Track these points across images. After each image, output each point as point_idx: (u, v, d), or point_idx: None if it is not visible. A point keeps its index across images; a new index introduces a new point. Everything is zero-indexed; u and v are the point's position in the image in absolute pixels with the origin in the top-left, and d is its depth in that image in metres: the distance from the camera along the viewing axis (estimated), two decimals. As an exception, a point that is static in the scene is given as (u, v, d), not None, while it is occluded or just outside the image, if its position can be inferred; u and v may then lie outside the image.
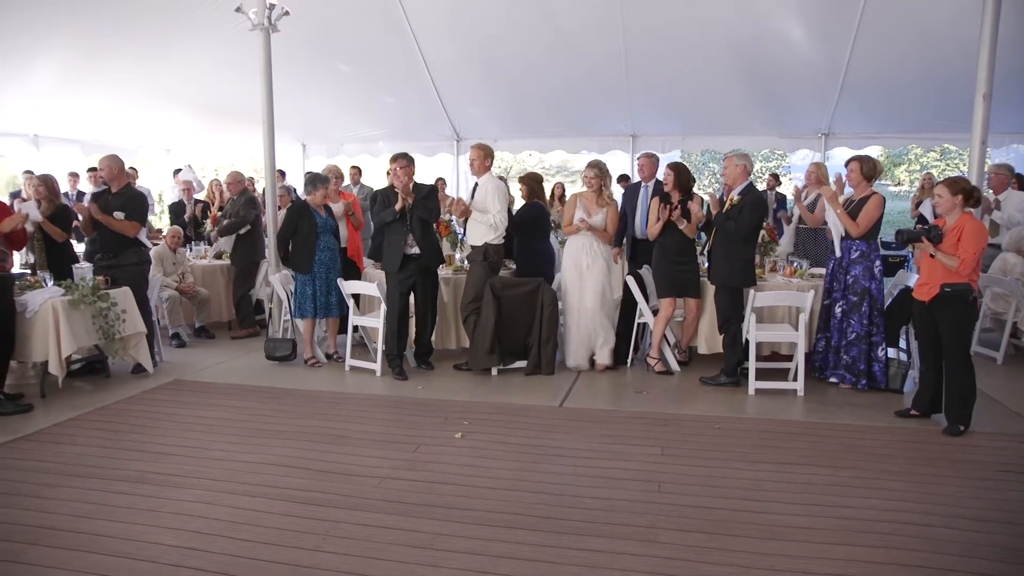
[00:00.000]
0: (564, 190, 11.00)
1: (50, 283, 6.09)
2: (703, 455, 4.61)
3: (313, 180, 6.90)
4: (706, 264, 6.47)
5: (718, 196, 6.67)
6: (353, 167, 10.69)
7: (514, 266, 7.09)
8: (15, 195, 9.72)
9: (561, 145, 13.53)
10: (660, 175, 7.12)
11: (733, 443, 4.82)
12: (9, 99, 10.03)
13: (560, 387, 6.15)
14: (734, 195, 6.04)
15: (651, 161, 7.48)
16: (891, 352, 6.04)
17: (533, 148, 13.98)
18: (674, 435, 4.98)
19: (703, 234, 6.55)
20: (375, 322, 6.52)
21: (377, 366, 6.53)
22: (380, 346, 6.53)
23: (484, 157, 6.58)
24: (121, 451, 4.75)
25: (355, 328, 6.79)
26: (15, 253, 6.37)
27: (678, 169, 6.38)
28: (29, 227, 6.05)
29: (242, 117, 10.58)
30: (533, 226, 7.02)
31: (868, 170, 5.85)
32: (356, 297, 6.73)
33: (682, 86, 10.61)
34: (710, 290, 6.32)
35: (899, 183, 28.11)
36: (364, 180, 10.86)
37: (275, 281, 7.07)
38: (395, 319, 6.34)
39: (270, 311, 7.52)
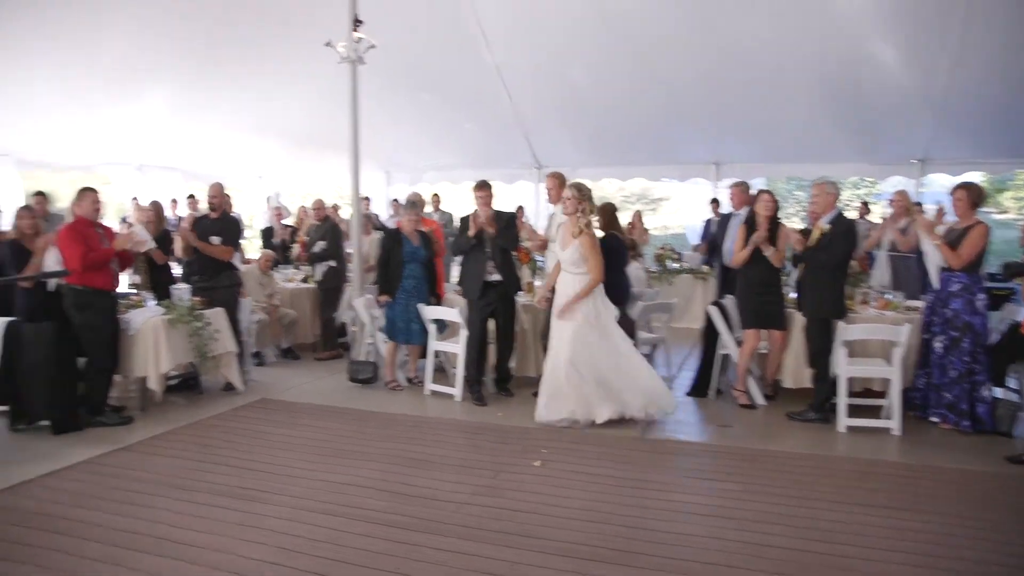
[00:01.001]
0: (641, 218, 10.93)
1: (151, 303, 6.41)
2: (787, 493, 4.44)
3: (406, 204, 7.12)
4: (792, 295, 6.28)
5: (800, 229, 6.45)
6: (433, 194, 10.91)
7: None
8: (123, 220, 10.31)
9: (641, 173, 13.49)
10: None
11: (820, 482, 4.62)
12: (120, 131, 10.69)
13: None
14: (823, 224, 5.85)
15: (741, 190, 7.35)
16: (999, 392, 5.70)
17: (613, 176, 13.97)
18: (758, 471, 4.81)
19: (789, 264, 6.37)
20: (455, 347, 6.59)
21: (457, 391, 6.58)
22: (460, 371, 6.58)
23: (560, 186, 6.60)
24: (212, 465, 4.93)
25: (436, 353, 6.87)
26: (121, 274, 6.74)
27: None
28: (135, 248, 6.38)
29: (329, 145, 10.99)
30: (606, 256, 6.92)
31: (975, 198, 5.58)
32: (437, 322, 6.81)
33: (766, 111, 10.42)
34: (797, 322, 6.13)
35: (1004, 211, 26.68)
36: (443, 207, 11.07)
37: (358, 305, 7.24)
38: (475, 345, 6.39)
39: (353, 334, 7.69)
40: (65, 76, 8.69)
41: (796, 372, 6.23)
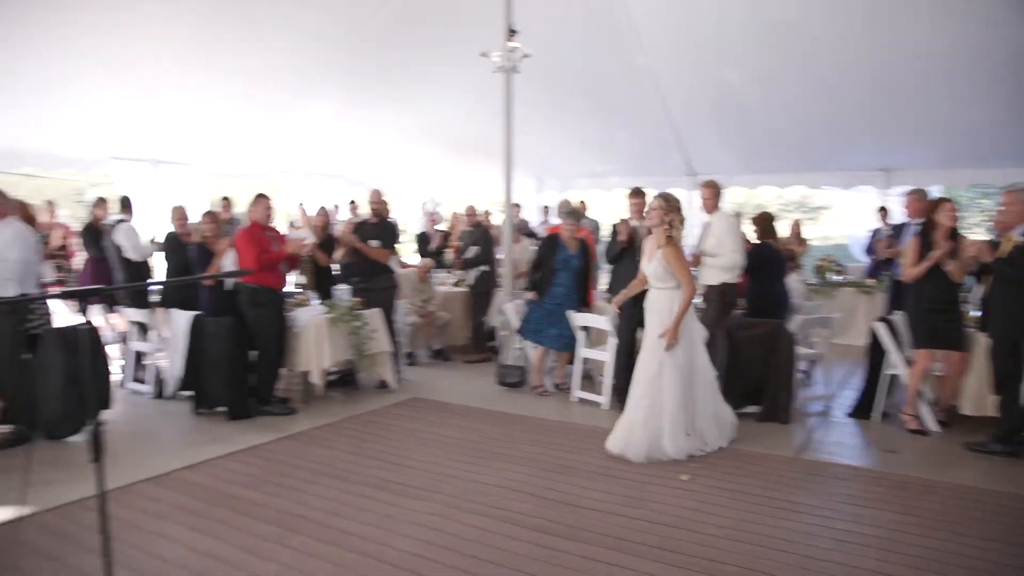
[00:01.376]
0: (800, 228, 10.38)
1: (315, 302, 6.83)
2: (962, 530, 4.03)
3: (565, 213, 7.20)
4: (974, 313, 5.73)
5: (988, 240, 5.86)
6: (580, 201, 10.91)
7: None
8: (291, 224, 11.06)
9: (801, 180, 12.84)
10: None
11: (1007, 523, 4.17)
12: (290, 141, 11.49)
13: (797, 436, 5.74)
14: (1016, 235, 5.29)
15: (918, 198, 6.82)
16: None
17: (771, 183, 13.40)
18: (929, 504, 4.41)
19: (971, 279, 5.82)
20: (603, 355, 6.54)
21: (604, 399, 6.53)
22: (608, 380, 6.52)
23: (715, 195, 6.40)
24: (366, 458, 5.16)
25: (583, 360, 6.85)
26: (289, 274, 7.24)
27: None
28: (301, 251, 6.82)
29: (482, 152, 11.25)
30: (762, 267, 6.66)
31: None
32: (586, 329, 6.79)
33: (943, 111, 9.53)
34: (979, 344, 5.58)
35: None
36: (594, 214, 11.04)
37: (508, 310, 7.35)
38: (624, 353, 6.31)
39: (502, 338, 7.83)
40: (249, 90, 9.44)
41: (978, 398, 5.66)
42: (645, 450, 5.10)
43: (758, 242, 6.83)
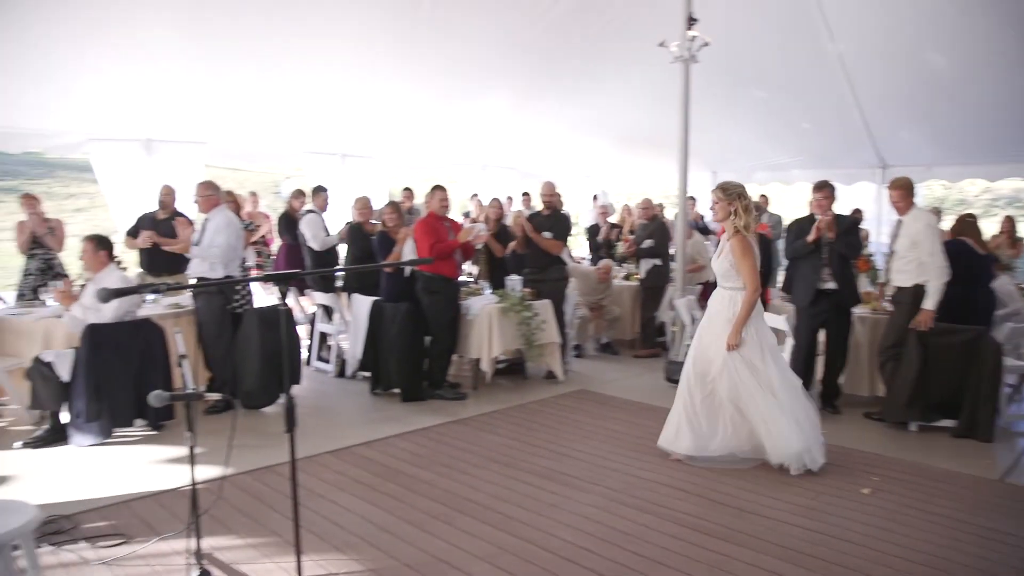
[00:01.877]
0: (1013, 224, 9.25)
1: (488, 291, 7.01)
2: None
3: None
4: None
5: None
6: (761, 195, 10.39)
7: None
8: (465, 215, 11.42)
9: (1016, 172, 11.45)
10: None
11: None
12: (465, 134, 11.86)
13: (1000, 456, 5.15)
14: None
15: None
16: None
17: (977, 175, 12.05)
18: None
19: None
20: (778, 356, 6.20)
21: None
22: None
23: (905, 195, 5.79)
24: (532, 446, 5.23)
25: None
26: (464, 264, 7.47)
27: None
28: (475, 241, 7.00)
29: (655, 145, 11.02)
30: (954, 267, 5.90)
31: None
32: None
33: None
34: None
35: None
36: (774, 208, 10.49)
37: (680, 305, 7.16)
38: (802, 356, 5.94)
39: (672, 334, 7.64)
40: (431, 85, 9.85)
41: None
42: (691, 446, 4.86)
43: (949, 239, 6.14)
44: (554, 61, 9.93)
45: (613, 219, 10.82)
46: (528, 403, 6.42)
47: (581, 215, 14.75)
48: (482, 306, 6.63)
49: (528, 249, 7.30)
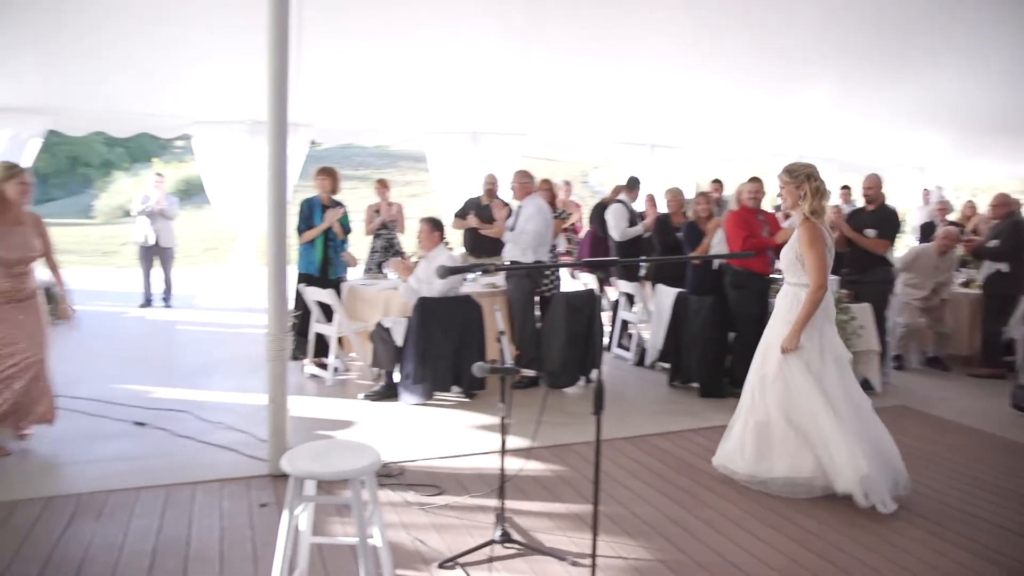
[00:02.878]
0: None
1: (799, 290, 6.56)
2: None
3: None
4: None
5: None
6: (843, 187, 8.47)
7: None
8: (776, 208, 10.80)
9: None
10: None
11: None
12: (779, 125, 11.18)
13: None
14: None
15: None
16: None
17: None
18: None
19: None
20: None
21: None
22: None
23: None
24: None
25: None
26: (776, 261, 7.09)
27: None
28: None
29: (1009, 132, 9.44)
30: None
31: None
32: None
33: None
34: None
35: None
36: None
37: (1035, 320, 6.10)
38: None
39: (1024, 353, 6.54)
40: (744, 75, 9.44)
41: None
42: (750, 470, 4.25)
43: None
44: (880, 42, 8.93)
45: (952, 216, 9.54)
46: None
47: (910, 212, 13.22)
48: (793, 305, 6.23)
49: (848, 248, 6.69)
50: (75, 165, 27.81)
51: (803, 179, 4.19)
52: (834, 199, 11.01)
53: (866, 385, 6.44)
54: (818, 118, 10.97)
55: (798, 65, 9.38)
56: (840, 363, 4.22)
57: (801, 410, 4.16)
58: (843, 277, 6.54)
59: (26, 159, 8.85)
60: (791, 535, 3.73)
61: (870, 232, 6.49)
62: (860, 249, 6.54)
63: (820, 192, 4.18)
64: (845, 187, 10.98)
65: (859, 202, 6.88)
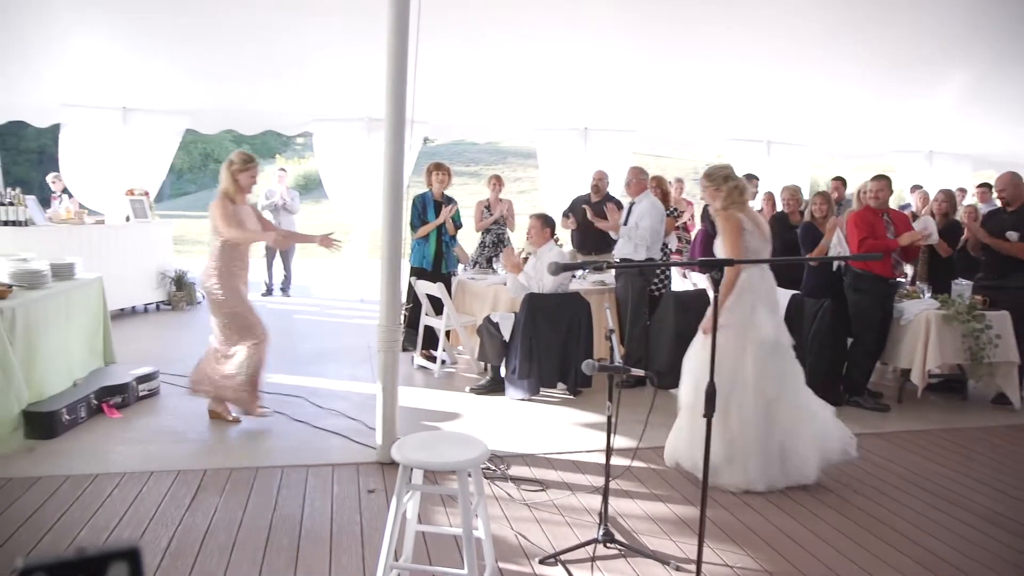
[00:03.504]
0: None
1: (927, 295, 6.18)
2: None
3: None
4: None
5: None
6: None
7: None
8: (904, 207, 10.19)
9: None
10: None
11: None
12: (907, 121, 10.52)
13: None
14: None
15: None
16: None
17: None
18: None
19: None
20: None
21: None
22: None
23: None
24: (971, 479, 4.50)
25: None
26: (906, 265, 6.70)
27: None
28: (920, 242, 6.19)
29: None
30: None
31: None
32: None
33: None
34: None
35: None
36: None
37: None
38: None
39: None
40: (867, 71, 8.95)
41: None
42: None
43: None
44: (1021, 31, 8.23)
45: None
46: (967, 428, 5.54)
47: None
48: (920, 311, 5.86)
49: (984, 252, 6.24)
50: (207, 161, 29.71)
51: (721, 181, 4.46)
52: (969, 198, 10.30)
53: (1002, 399, 6.03)
54: (948, 114, 10.28)
55: (931, 58, 8.82)
56: (765, 349, 4.27)
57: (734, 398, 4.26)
58: (977, 282, 6.11)
59: (167, 155, 9.57)
60: (908, 552, 3.51)
61: (1012, 235, 6.01)
62: (999, 254, 6.08)
63: (738, 189, 4.45)
64: (982, 185, 10.19)
65: (999, 201, 6.38)
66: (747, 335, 4.26)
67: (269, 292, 10.56)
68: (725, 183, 4.43)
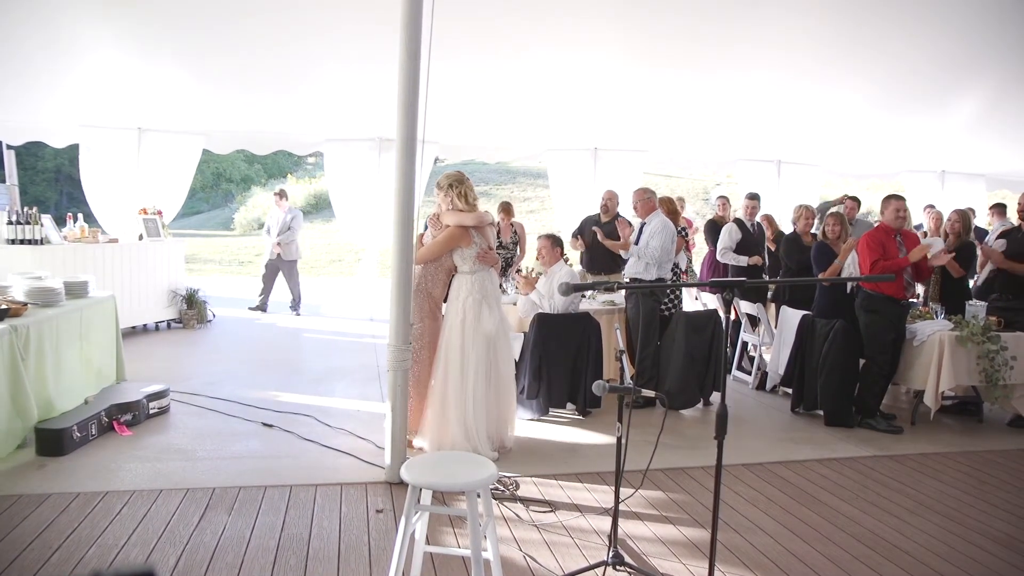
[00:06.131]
0: None
1: (940, 316, 6.14)
2: None
3: None
4: None
5: None
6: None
7: None
8: (917, 228, 10.14)
9: None
10: None
11: None
12: (920, 140, 10.48)
13: None
14: None
15: None
16: None
17: None
18: None
19: None
20: None
21: None
22: None
23: None
24: (986, 504, 4.43)
25: None
26: (918, 284, 6.65)
27: None
28: (933, 261, 6.15)
29: None
30: None
31: None
32: None
33: None
34: None
35: None
36: None
37: None
38: None
39: None
40: (881, 91, 8.94)
41: None
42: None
43: None
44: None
45: None
46: (982, 452, 5.46)
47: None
48: (933, 332, 5.82)
49: (997, 274, 6.20)
50: (219, 181, 29.93)
51: (447, 188, 5.01)
52: (981, 219, 10.25)
53: (1018, 422, 5.98)
54: (960, 133, 10.24)
55: (943, 77, 8.81)
56: (488, 340, 4.87)
57: (449, 383, 4.81)
58: (991, 303, 6.06)
59: (186, 176, 9.67)
60: (928, 580, 3.46)
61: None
62: (1012, 275, 6.04)
63: (463, 195, 4.98)
64: (995, 206, 10.13)
65: (1014, 220, 6.36)
66: (472, 332, 4.87)
67: (262, 308, 10.62)
68: (452, 190, 4.98)
